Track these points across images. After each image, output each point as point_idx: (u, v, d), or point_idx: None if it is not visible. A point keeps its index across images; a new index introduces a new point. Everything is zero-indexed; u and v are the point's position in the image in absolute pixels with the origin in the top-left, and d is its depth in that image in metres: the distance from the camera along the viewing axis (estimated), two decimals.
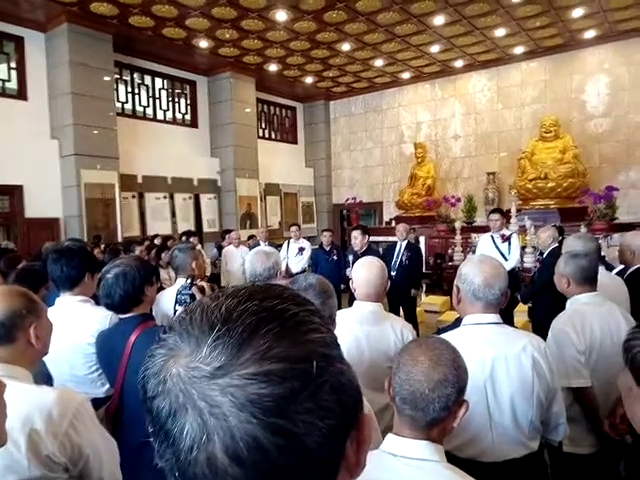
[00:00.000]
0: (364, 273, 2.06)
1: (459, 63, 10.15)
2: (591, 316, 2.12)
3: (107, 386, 1.99)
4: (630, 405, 0.79)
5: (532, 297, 4.54)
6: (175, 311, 2.03)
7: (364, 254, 5.32)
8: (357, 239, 5.60)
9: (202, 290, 2.04)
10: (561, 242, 4.64)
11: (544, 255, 4.66)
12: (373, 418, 1.43)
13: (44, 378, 1.59)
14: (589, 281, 2.22)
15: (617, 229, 7.16)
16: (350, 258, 5.48)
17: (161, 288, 4.51)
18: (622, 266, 3.28)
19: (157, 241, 7.25)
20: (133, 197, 8.61)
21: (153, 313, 2.61)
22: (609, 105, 9.13)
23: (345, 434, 0.44)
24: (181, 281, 2.39)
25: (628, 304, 2.67)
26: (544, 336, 2.20)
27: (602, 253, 4.18)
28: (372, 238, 8.04)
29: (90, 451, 1.21)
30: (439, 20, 7.88)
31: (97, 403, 1.91)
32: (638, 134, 8.87)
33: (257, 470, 0.39)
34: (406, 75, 10.88)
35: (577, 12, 7.76)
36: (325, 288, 1.69)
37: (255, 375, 0.39)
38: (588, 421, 2.08)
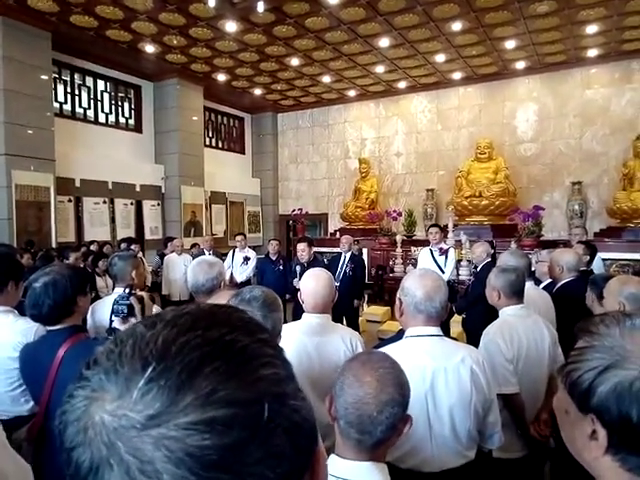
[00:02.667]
0: (312, 284, 2.06)
1: (402, 84, 10.59)
2: (518, 327, 2.26)
3: (31, 404, 1.87)
4: (567, 429, 0.76)
5: (467, 308, 4.74)
6: (111, 322, 1.97)
7: (310, 265, 5.41)
8: (304, 251, 5.66)
9: (141, 300, 1.98)
10: (493, 256, 4.95)
11: (478, 269, 4.93)
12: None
13: None
14: (517, 294, 2.37)
15: (543, 246, 7.70)
16: (297, 269, 5.53)
17: (97, 297, 4.38)
18: (550, 280, 3.51)
19: (93, 247, 6.98)
20: (69, 201, 8.23)
21: (88, 324, 2.54)
22: (537, 131, 9.84)
23: (299, 479, 0.39)
24: (119, 290, 2.32)
25: (553, 316, 2.88)
26: (477, 345, 2.36)
27: (532, 268, 4.51)
28: (317, 249, 8.16)
29: None
30: (384, 42, 8.21)
31: (20, 422, 1.82)
32: (561, 159, 9.63)
33: None
34: (352, 93, 11.20)
35: (510, 44, 8.36)
36: (270, 301, 1.66)
37: (196, 424, 0.33)
38: (516, 426, 2.19)
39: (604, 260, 6.31)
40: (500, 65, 9.46)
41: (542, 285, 3.59)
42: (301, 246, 5.73)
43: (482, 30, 7.76)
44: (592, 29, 7.75)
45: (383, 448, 1.11)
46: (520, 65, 9.44)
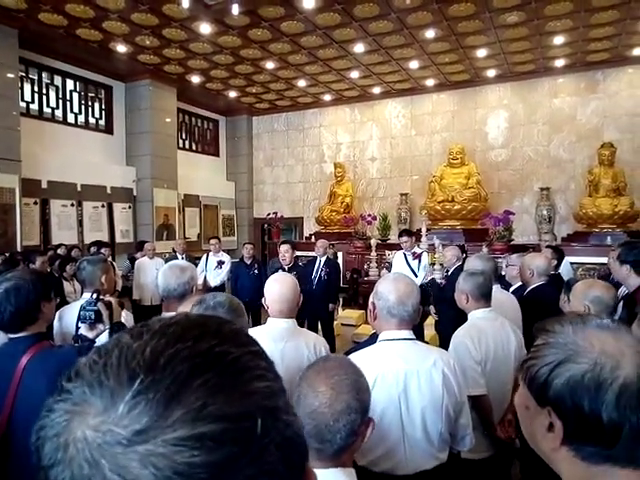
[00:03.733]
0: (277, 289, 2.05)
1: (377, 90, 10.70)
2: (486, 329, 2.31)
3: None
4: (527, 424, 0.80)
5: (437, 303, 4.85)
6: (77, 328, 1.91)
7: (291, 269, 5.38)
8: (287, 253, 5.59)
9: (109, 306, 1.93)
10: (464, 260, 5.05)
11: (449, 272, 5.02)
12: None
13: None
14: (484, 297, 2.42)
15: (513, 250, 7.87)
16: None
17: (65, 302, 4.25)
18: (519, 284, 3.60)
19: (61, 251, 6.78)
20: (35, 203, 7.98)
21: (55, 330, 2.46)
22: (507, 137, 10.09)
23: None
24: (87, 296, 2.26)
25: (520, 319, 2.95)
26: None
27: (502, 272, 4.60)
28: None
29: None
30: (359, 48, 8.29)
31: None
32: (531, 165, 9.90)
33: None
34: (327, 97, 11.25)
35: (481, 52, 8.56)
36: (235, 306, 1.67)
37: (185, 440, 0.32)
38: (484, 427, 2.23)
39: (572, 264, 6.50)
40: (472, 73, 9.67)
41: (512, 288, 3.67)
42: (284, 247, 5.66)
43: (454, 38, 7.92)
44: (559, 40, 8.01)
45: (348, 454, 1.11)
46: (491, 73, 9.67)
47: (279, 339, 1.98)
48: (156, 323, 0.40)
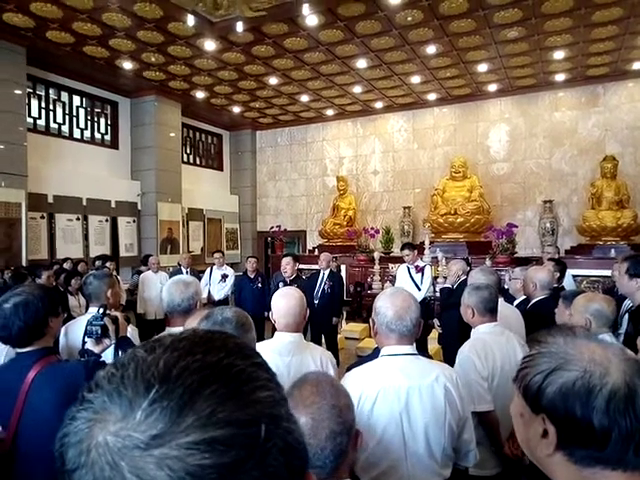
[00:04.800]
0: (283, 304, 2.06)
1: (379, 104, 10.81)
2: (492, 344, 2.29)
3: None
4: (522, 432, 0.82)
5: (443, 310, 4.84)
6: (84, 343, 1.92)
7: (293, 281, 5.40)
8: (289, 265, 5.65)
9: (115, 321, 1.95)
10: (468, 274, 5.04)
11: (454, 287, 5.00)
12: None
13: None
14: (490, 312, 2.41)
15: (516, 263, 7.87)
16: (280, 285, 5.50)
17: (70, 316, 4.26)
18: (524, 297, 3.59)
19: (67, 265, 6.82)
20: (42, 217, 8.05)
21: (61, 345, 2.47)
22: (509, 151, 10.14)
23: None
24: (93, 310, 2.26)
25: (524, 333, 2.95)
26: (454, 360, 2.35)
27: (505, 285, 4.58)
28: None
29: None
30: (361, 63, 8.39)
31: None
32: (533, 178, 9.93)
33: None
34: (330, 112, 11.36)
35: (482, 67, 8.65)
36: (243, 321, 1.67)
37: (197, 444, 0.35)
38: (491, 443, 2.20)
39: (575, 277, 6.49)
40: (473, 87, 9.76)
41: (516, 302, 3.66)
42: (286, 259, 5.73)
43: (455, 53, 8.02)
44: (559, 55, 8.09)
45: (343, 468, 1.11)
46: (492, 87, 9.75)
47: (285, 353, 1.99)
48: (167, 338, 0.43)
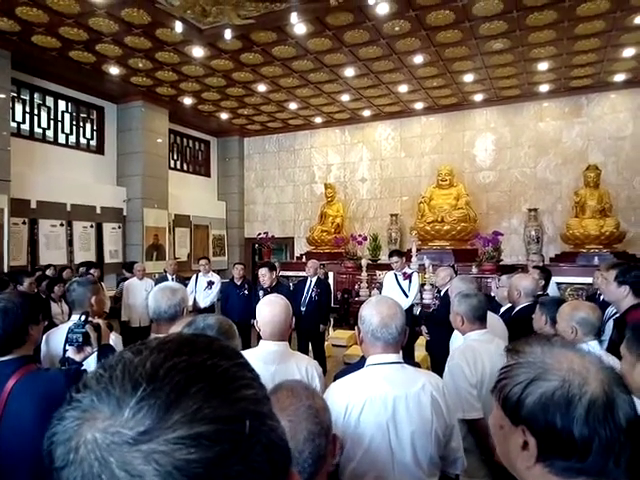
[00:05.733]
0: (268, 312, 2.05)
1: (367, 112, 10.88)
2: (481, 352, 2.29)
3: None
4: (502, 444, 0.81)
5: (429, 322, 4.87)
6: (65, 351, 1.88)
7: (273, 290, 5.39)
8: (265, 276, 5.72)
9: (97, 328, 1.92)
10: None
11: (442, 293, 5.03)
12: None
13: None
14: (480, 319, 2.42)
15: (502, 270, 7.95)
16: (260, 294, 5.50)
17: (52, 324, 4.18)
18: (509, 304, 3.64)
19: (50, 272, 6.70)
20: (24, 223, 7.92)
21: (42, 353, 2.42)
22: (494, 160, 10.28)
23: None
24: (75, 318, 2.23)
25: (506, 340, 2.99)
26: (441, 367, 2.36)
27: (492, 293, 4.61)
28: (283, 273, 8.14)
29: None
30: (349, 72, 8.45)
31: None
32: (518, 186, 10.06)
33: None
34: (318, 119, 11.40)
35: (468, 77, 8.77)
36: (225, 329, 1.66)
37: (184, 439, 0.36)
38: (481, 452, 2.19)
39: (559, 284, 6.57)
40: (460, 97, 9.89)
41: (503, 309, 3.69)
42: (262, 271, 5.80)
43: (442, 63, 8.12)
44: (543, 66, 8.24)
45: (321, 474, 1.10)
46: (478, 97, 9.89)
47: (270, 362, 1.97)
48: (153, 341, 0.44)
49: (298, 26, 6.71)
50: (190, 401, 0.38)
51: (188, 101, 9.95)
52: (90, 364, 1.94)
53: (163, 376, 0.39)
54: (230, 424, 0.38)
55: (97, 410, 0.38)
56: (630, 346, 1.46)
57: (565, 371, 0.75)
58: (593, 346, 2.16)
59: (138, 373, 0.39)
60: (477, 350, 2.31)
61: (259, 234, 11.47)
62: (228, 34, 6.78)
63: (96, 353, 1.90)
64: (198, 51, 7.51)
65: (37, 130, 8.61)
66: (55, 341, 2.36)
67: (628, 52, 7.67)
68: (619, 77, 8.79)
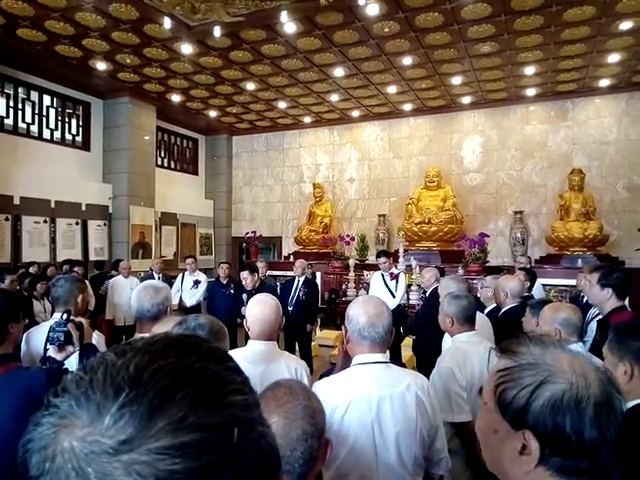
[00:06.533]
0: (258, 311, 2.05)
1: (356, 113, 10.90)
2: (471, 354, 2.30)
3: None
4: (493, 448, 0.79)
5: (415, 331, 4.83)
6: (46, 350, 1.85)
7: (257, 291, 5.37)
8: (247, 279, 5.72)
9: (79, 327, 1.89)
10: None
11: (427, 293, 5.06)
12: None
13: None
14: (469, 321, 2.43)
15: (488, 271, 8.02)
16: (244, 296, 5.48)
17: (34, 322, 4.11)
18: (494, 305, 3.67)
19: (33, 270, 6.59)
20: (6, 220, 7.78)
21: (22, 351, 2.38)
22: (482, 162, 10.37)
23: None
24: (57, 316, 2.18)
25: (493, 340, 3.01)
26: (427, 367, 2.37)
27: (478, 294, 4.65)
28: (271, 272, 8.11)
29: None
30: (339, 72, 8.46)
31: None
32: (505, 189, 10.16)
33: None
34: (307, 119, 11.39)
35: (456, 80, 8.84)
36: (216, 329, 1.64)
37: (168, 449, 0.34)
38: (466, 453, 2.19)
39: (544, 286, 6.65)
40: (448, 99, 9.95)
41: (487, 310, 3.72)
42: (243, 274, 5.79)
43: (431, 65, 8.17)
44: (530, 70, 8.34)
45: (310, 476, 1.09)
46: (466, 100, 9.97)
47: (259, 362, 1.96)
48: (139, 342, 0.42)
49: (288, 25, 6.69)
50: (175, 408, 0.35)
51: (176, 98, 9.87)
52: (72, 363, 1.91)
53: (147, 380, 0.37)
54: (218, 432, 0.36)
55: (75, 416, 0.36)
56: (612, 347, 1.48)
57: (570, 373, 0.74)
58: (577, 347, 2.19)
59: (121, 377, 0.37)
60: (466, 352, 2.31)
61: (247, 233, 11.42)
62: (217, 31, 6.74)
63: (78, 352, 1.87)
64: (187, 48, 7.45)
65: (21, 125, 8.47)
66: (36, 340, 2.31)
67: (613, 58, 7.79)
68: (604, 82, 8.93)
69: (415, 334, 4.89)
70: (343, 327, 1.79)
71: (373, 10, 6.28)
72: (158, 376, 0.37)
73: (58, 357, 1.82)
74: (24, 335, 2.43)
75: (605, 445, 0.70)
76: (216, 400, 0.38)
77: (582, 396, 0.71)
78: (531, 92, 9.47)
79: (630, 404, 1.37)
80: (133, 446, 0.34)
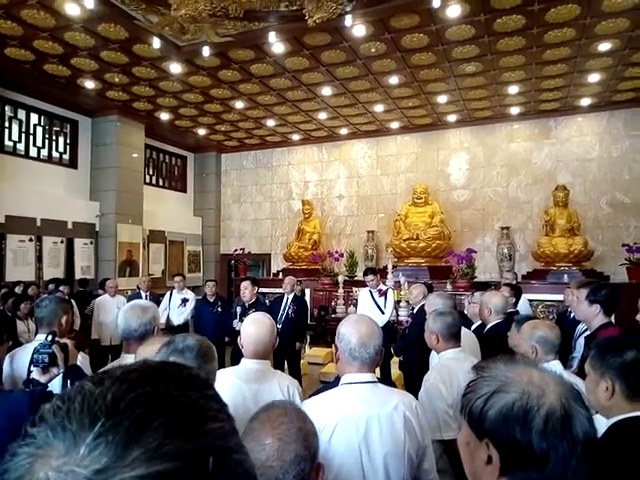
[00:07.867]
0: (253, 330, 2.05)
1: (344, 131, 11.03)
2: (457, 371, 2.29)
3: None
4: (469, 461, 0.81)
5: (405, 350, 4.80)
6: (29, 372, 1.82)
7: (252, 306, 5.31)
8: (247, 289, 5.52)
9: (64, 348, 1.87)
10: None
11: (414, 310, 5.04)
12: None
13: None
14: (454, 337, 2.44)
15: (476, 287, 8.07)
16: (238, 309, 5.41)
17: (17, 342, 4.04)
18: (480, 322, 3.70)
19: (18, 289, 6.49)
20: None
21: (5, 374, 2.33)
22: (468, 179, 10.51)
23: None
24: (41, 337, 2.15)
25: (479, 356, 3.02)
26: (415, 385, 2.36)
27: (465, 311, 4.65)
28: (260, 290, 8.06)
29: None
30: (327, 91, 8.57)
31: None
32: (491, 205, 10.29)
33: None
34: (296, 137, 11.49)
35: (442, 98, 9.00)
36: (204, 351, 1.62)
37: (142, 478, 0.34)
38: (455, 472, 2.14)
39: (531, 301, 6.70)
40: (434, 117, 10.12)
41: (474, 326, 3.74)
42: (244, 284, 5.58)
43: (417, 84, 8.32)
44: (514, 89, 8.54)
45: None
46: (452, 118, 10.15)
47: (252, 381, 1.96)
48: (117, 370, 0.42)
49: (276, 45, 6.79)
50: (151, 437, 0.35)
51: (165, 116, 9.90)
52: (56, 385, 1.88)
53: (124, 409, 0.36)
54: (193, 461, 0.36)
55: (51, 447, 0.35)
56: (594, 363, 1.49)
57: (524, 384, 0.76)
58: (555, 365, 2.20)
59: (97, 406, 0.37)
60: (453, 369, 2.31)
61: (235, 250, 11.38)
62: (206, 51, 6.81)
63: (62, 374, 1.84)
64: (176, 67, 7.51)
65: (7, 143, 8.42)
66: (19, 361, 2.27)
67: (593, 77, 8.02)
68: (585, 101, 9.16)
69: (405, 353, 4.87)
70: (333, 345, 1.78)
71: (360, 31, 6.41)
72: (135, 405, 0.37)
73: (42, 379, 1.78)
74: (7, 357, 2.39)
75: (557, 456, 0.71)
76: (192, 428, 0.38)
77: (532, 406, 0.73)
78: (515, 110, 9.67)
79: (612, 420, 1.38)
80: (107, 475, 0.33)
